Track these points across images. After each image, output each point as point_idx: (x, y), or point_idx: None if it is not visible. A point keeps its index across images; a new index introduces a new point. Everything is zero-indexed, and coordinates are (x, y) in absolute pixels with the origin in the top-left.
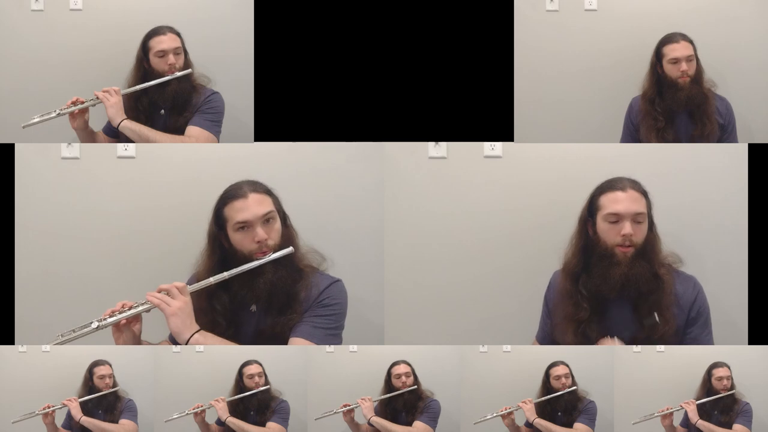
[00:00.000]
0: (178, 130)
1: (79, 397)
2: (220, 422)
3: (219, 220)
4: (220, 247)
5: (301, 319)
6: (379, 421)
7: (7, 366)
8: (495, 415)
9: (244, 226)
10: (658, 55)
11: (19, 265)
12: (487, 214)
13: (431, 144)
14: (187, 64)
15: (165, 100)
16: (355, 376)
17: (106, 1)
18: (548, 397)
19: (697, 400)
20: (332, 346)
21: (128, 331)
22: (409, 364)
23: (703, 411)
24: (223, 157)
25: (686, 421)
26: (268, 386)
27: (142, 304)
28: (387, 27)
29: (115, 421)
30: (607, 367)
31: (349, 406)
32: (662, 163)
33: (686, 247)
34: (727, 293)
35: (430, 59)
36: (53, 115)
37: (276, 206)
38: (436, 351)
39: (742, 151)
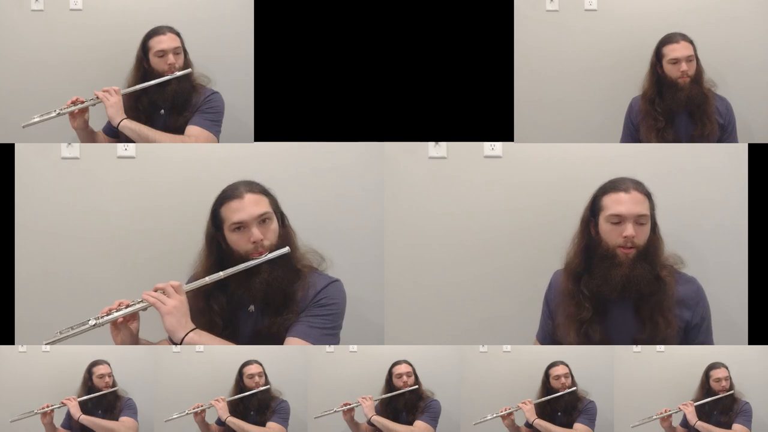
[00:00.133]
0: (178, 129)
1: (79, 397)
2: (220, 422)
3: (216, 220)
4: (218, 248)
5: (298, 319)
6: (381, 420)
7: (7, 366)
8: (495, 415)
9: (240, 226)
10: (658, 55)
11: (19, 265)
12: (487, 214)
13: (431, 144)
14: (186, 63)
15: (165, 100)
16: (355, 376)
17: (106, 1)
18: (548, 397)
19: (695, 401)
20: (332, 346)
21: (126, 329)
22: (410, 364)
23: (703, 412)
24: (223, 157)
25: (686, 422)
26: (268, 386)
27: (139, 302)
28: (387, 27)
29: (114, 420)
30: (607, 367)
31: (350, 404)
32: (662, 163)
33: (686, 247)
34: (727, 293)
35: (430, 59)
36: (53, 114)
37: (273, 206)
38: (436, 351)
39: (742, 151)
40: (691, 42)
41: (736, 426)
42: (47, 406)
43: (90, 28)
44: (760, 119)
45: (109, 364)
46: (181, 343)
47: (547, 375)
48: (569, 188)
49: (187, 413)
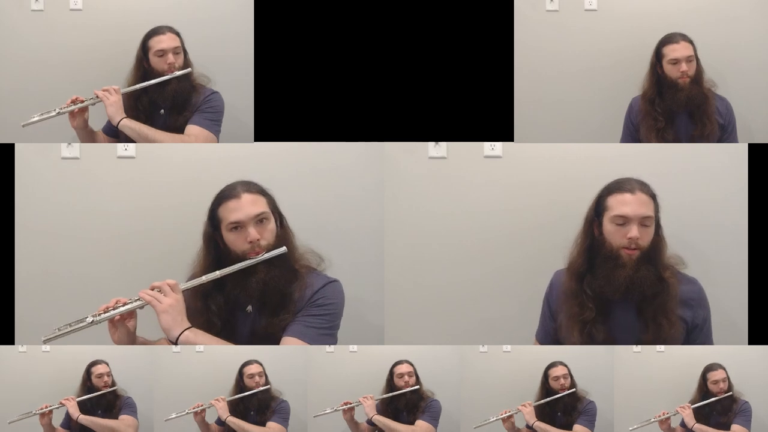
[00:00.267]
0: (178, 129)
1: (78, 397)
2: (220, 422)
3: (213, 220)
4: (215, 247)
5: (294, 319)
6: (382, 420)
7: (7, 366)
8: (496, 418)
9: (237, 226)
10: (658, 56)
11: (19, 265)
12: (487, 214)
13: (431, 144)
14: (186, 63)
15: (165, 100)
16: (355, 376)
17: (106, 1)
18: (547, 399)
19: (693, 403)
20: (332, 346)
21: (123, 327)
22: (411, 364)
23: (702, 413)
24: (223, 157)
25: (684, 424)
26: (268, 386)
27: (136, 300)
28: (387, 27)
29: (114, 418)
30: (607, 367)
31: (351, 404)
32: (662, 163)
33: (686, 247)
34: (727, 293)
35: (430, 59)
36: (53, 114)
37: (270, 206)
38: (436, 351)
39: (742, 151)
40: (691, 42)
41: (734, 427)
42: (46, 407)
43: (90, 28)
44: (760, 119)
45: (107, 364)
46: (176, 342)
47: (546, 376)
48: (569, 188)
49: (187, 413)
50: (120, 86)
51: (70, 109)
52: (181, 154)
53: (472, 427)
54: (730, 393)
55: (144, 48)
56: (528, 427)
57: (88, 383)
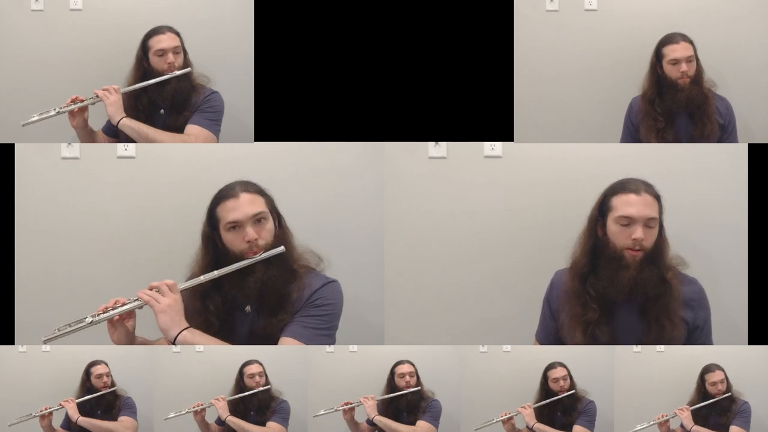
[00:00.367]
0: (178, 129)
1: (77, 398)
2: (219, 422)
3: (212, 220)
4: (214, 247)
5: (292, 319)
6: (383, 420)
7: (7, 366)
8: (496, 420)
9: (235, 225)
10: (658, 56)
11: (19, 265)
12: (487, 214)
13: (431, 144)
14: (186, 63)
15: (164, 99)
16: (356, 376)
17: (106, 1)
18: (547, 401)
19: (691, 405)
20: (332, 346)
21: (122, 327)
22: (412, 364)
23: (701, 414)
24: (223, 157)
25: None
26: (268, 386)
27: (134, 300)
28: (387, 27)
29: (114, 419)
30: (607, 367)
31: (351, 404)
32: (662, 163)
33: (686, 247)
34: (727, 293)
35: (430, 59)
36: (52, 113)
37: (269, 206)
38: (436, 351)
39: (742, 151)
40: (691, 42)
41: (732, 428)
42: (45, 409)
43: (90, 28)
44: (760, 119)
45: (107, 364)
46: (174, 342)
47: (545, 377)
48: (569, 188)
49: (187, 412)
50: (120, 86)
51: (69, 108)
52: (181, 154)
53: (472, 427)
54: (729, 394)
55: (144, 48)
56: (528, 428)
57: (87, 384)
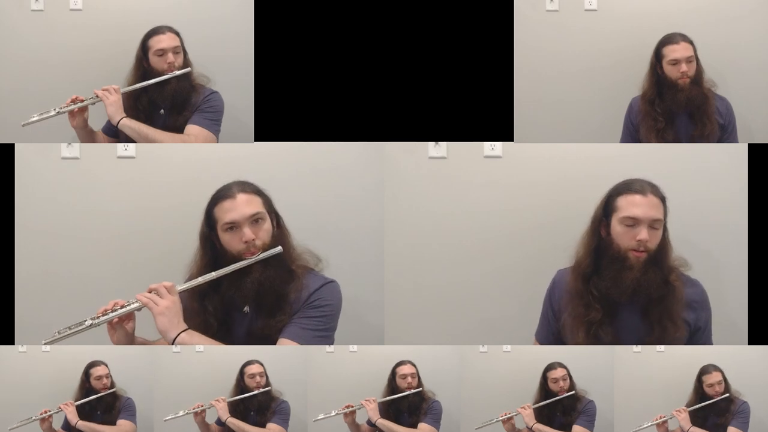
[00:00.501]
0: (178, 129)
1: (76, 400)
2: (219, 422)
3: (209, 220)
4: (212, 248)
5: (290, 320)
6: (386, 424)
7: (7, 366)
8: (496, 420)
9: (232, 226)
10: (657, 56)
11: (19, 265)
12: (487, 214)
13: (431, 144)
14: (186, 63)
15: (164, 99)
16: (356, 377)
17: (106, 1)
18: (546, 402)
19: (689, 406)
20: (332, 346)
21: (121, 329)
22: (414, 365)
23: (699, 415)
24: (223, 157)
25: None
26: (269, 387)
27: (133, 303)
28: (387, 27)
29: (113, 420)
30: (607, 367)
31: (352, 407)
32: (662, 164)
33: (686, 247)
34: (727, 293)
35: (430, 59)
36: (52, 113)
37: (266, 207)
38: (436, 351)
39: (742, 151)
40: (691, 42)
41: (731, 429)
42: (45, 412)
43: (90, 28)
44: (760, 119)
45: (107, 365)
46: (173, 344)
47: (545, 378)
48: (569, 188)
49: (187, 413)
50: (120, 86)
51: (69, 108)
52: (181, 154)
53: (472, 427)
54: (727, 395)
55: (144, 48)
56: (527, 428)
57: (86, 385)
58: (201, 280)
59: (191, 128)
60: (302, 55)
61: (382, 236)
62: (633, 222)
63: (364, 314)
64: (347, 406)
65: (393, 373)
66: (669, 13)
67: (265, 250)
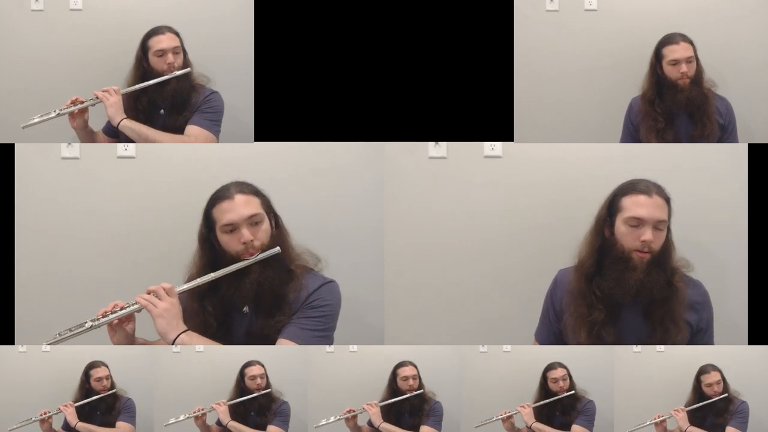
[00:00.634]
0: (178, 129)
1: (76, 400)
2: (220, 423)
3: (208, 221)
4: (211, 249)
5: (290, 321)
6: (389, 428)
7: (7, 366)
8: (495, 418)
9: (231, 227)
10: (657, 56)
11: (19, 265)
12: (487, 214)
13: (431, 144)
14: (186, 63)
15: (164, 100)
16: (356, 377)
17: (106, 1)
18: (546, 401)
19: (687, 406)
20: (332, 346)
21: (121, 330)
22: (415, 366)
23: (698, 415)
24: (223, 157)
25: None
26: (269, 389)
27: (133, 304)
28: (387, 27)
29: (113, 421)
30: (607, 367)
31: (354, 411)
32: (662, 164)
33: (686, 247)
34: (727, 293)
35: (430, 59)
36: (53, 115)
37: (264, 207)
38: (436, 351)
39: (742, 151)
40: (691, 43)
41: (729, 428)
42: (45, 413)
43: (90, 28)
44: (760, 119)
45: (107, 366)
46: (173, 345)
47: (545, 377)
48: (569, 188)
49: (187, 418)
50: (120, 86)
51: (70, 110)
52: (181, 154)
53: (472, 426)
54: (726, 395)
55: (143, 48)
56: (527, 427)
57: (86, 386)
58: (200, 281)
59: (191, 129)
60: (302, 55)
61: (382, 236)
62: (637, 222)
63: (364, 314)
64: (348, 411)
65: (394, 375)
66: (669, 13)
67: (263, 250)
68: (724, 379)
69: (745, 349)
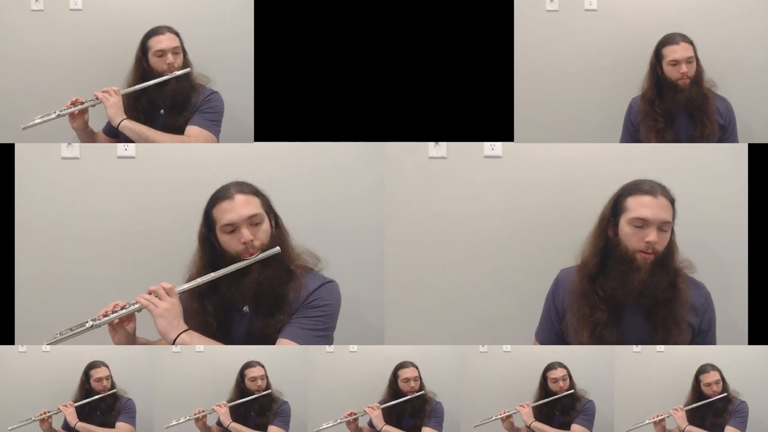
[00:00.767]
0: (178, 129)
1: (76, 400)
2: (220, 424)
3: (208, 221)
4: (211, 248)
5: (289, 320)
6: (391, 430)
7: (7, 366)
8: (495, 418)
9: (231, 227)
10: (657, 56)
11: (19, 265)
12: (487, 214)
13: (431, 144)
14: (186, 63)
15: (164, 100)
16: (356, 377)
17: (106, 1)
18: (545, 400)
19: (686, 405)
20: (332, 346)
21: (122, 330)
22: (416, 367)
23: (697, 414)
24: (223, 157)
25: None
26: (269, 390)
27: (133, 304)
28: (387, 27)
29: (112, 422)
30: (607, 367)
31: (355, 414)
32: (662, 164)
33: (686, 247)
34: (727, 293)
35: (430, 59)
36: (53, 116)
37: (264, 207)
38: (436, 351)
39: (742, 151)
40: (691, 43)
41: (728, 428)
42: (45, 413)
43: (90, 28)
44: (760, 119)
45: (107, 366)
46: (173, 344)
47: (545, 378)
48: (569, 188)
49: (188, 419)
50: (120, 86)
51: (70, 110)
52: (181, 154)
53: (472, 427)
54: (725, 394)
55: (143, 48)
56: (526, 427)
57: (86, 386)
58: (200, 280)
59: (191, 129)
60: (302, 55)
61: (381, 236)
62: (642, 223)
63: (364, 314)
64: (350, 414)
65: (395, 376)
66: (669, 13)
67: (263, 250)
68: (723, 378)
69: (745, 349)
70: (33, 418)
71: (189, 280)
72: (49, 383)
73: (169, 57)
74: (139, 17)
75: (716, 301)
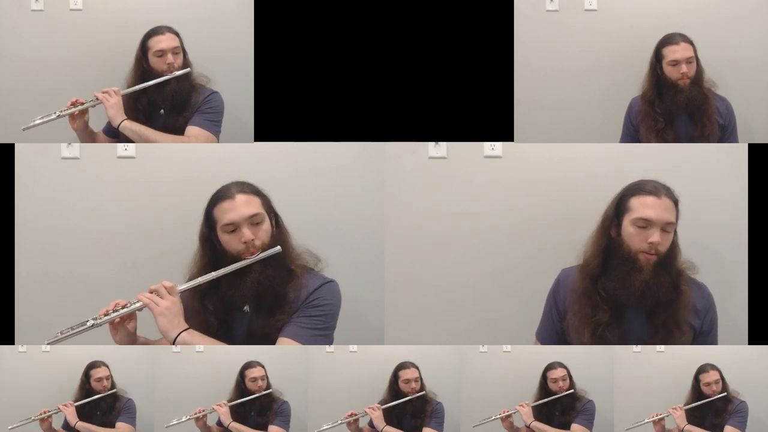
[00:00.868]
0: (178, 129)
1: (76, 400)
2: (221, 424)
3: (209, 221)
4: (211, 248)
5: (290, 320)
6: (392, 431)
7: (7, 366)
8: (494, 417)
9: (232, 227)
10: (657, 56)
11: (19, 265)
12: (487, 214)
13: (431, 144)
14: (186, 63)
15: (164, 100)
16: (356, 377)
17: (106, 1)
18: (545, 400)
19: (685, 405)
20: (332, 346)
21: (123, 329)
22: (417, 368)
23: (697, 414)
24: (223, 157)
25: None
26: (269, 390)
27: (134, 303)
28: (387, 27)
29: (113, 421)
30: (606, 367)
31: (356, 415)
32: (662, 164)
33: (686, 247)
34: (727, 293)
35: (430, 59)
36: (53, 116)
37: (265, 207)
38: (436, 351)
39: (742, 151)
40: (691, 43)
41: (727, 428)
42: (45, 412)
43: (90, 28)
44: (760, 119)
45: (107, 366)
46: (174, 343)
47: (545, 378)
48: (569, 188)
49: (188, 419)
50: (120, 87)
51: (70, 111)
52: (181, 154)
53: (472, 426)
54: (725, 394)
55: (143, 48)
56: (526, 426)
57: (86, 386)
58: (201, 280)
59: (191, 129)
60: (302, 55)
61: (381, 236)
62: (645, 224)
63: (364, 314)
64: (351, 414)
65: (395, 377)
66: (669, 13)
67: (264, 250)
68: (722, 378)
69: (745, 349)
70: (33, 418)
71: (190, 279)
72: (49, 383)
73: (169, 57)
74: (139, 17)
75: (716, 300)
